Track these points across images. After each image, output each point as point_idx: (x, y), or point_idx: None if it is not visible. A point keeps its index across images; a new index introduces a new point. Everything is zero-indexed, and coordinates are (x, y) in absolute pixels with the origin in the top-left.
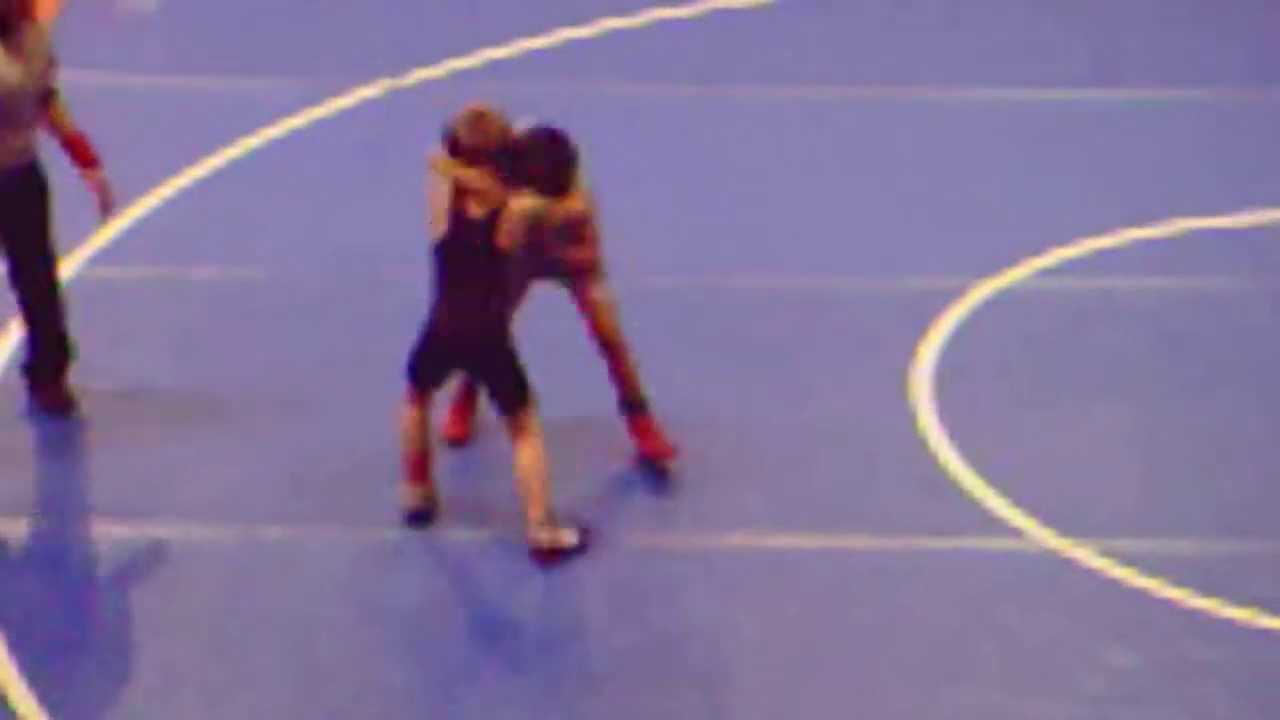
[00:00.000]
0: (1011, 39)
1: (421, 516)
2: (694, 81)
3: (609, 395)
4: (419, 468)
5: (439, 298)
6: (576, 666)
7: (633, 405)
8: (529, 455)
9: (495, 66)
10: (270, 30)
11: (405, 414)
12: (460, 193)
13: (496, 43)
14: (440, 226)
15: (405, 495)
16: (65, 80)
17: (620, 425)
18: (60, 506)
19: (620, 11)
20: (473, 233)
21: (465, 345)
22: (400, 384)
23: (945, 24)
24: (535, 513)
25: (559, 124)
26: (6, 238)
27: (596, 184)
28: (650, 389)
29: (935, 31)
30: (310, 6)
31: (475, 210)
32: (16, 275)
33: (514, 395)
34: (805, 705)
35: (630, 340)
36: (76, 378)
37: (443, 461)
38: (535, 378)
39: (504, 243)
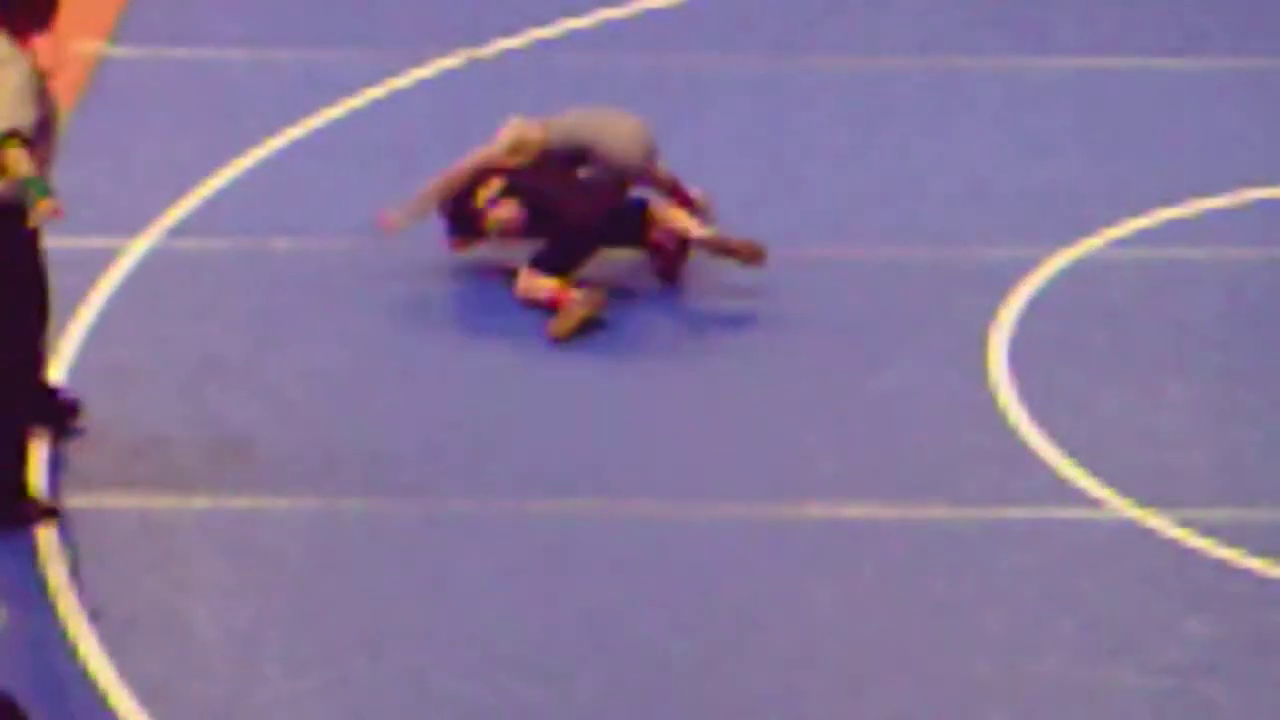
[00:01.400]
0: (1087, 8)
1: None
2: (770, 52)
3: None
4: None
5: None
6: (653, 638)
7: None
8: None
9: (575, 36)
10: (350, 1)
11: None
12: None
13: (577, 12)
14: None
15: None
16: (140, 57)
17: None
18: (140, 479)
19: None
20: None
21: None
22: (479, 352)
23: None
24: None
25: (635, 94)
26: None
27: (671, 154)
28: (722, 357)
29: (1011, 1)
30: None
31: None
32: None
33: None
34: (883, 677)
35: (699, 309)
36: (159, 347)
37: (531, 430)
38: None
39: None
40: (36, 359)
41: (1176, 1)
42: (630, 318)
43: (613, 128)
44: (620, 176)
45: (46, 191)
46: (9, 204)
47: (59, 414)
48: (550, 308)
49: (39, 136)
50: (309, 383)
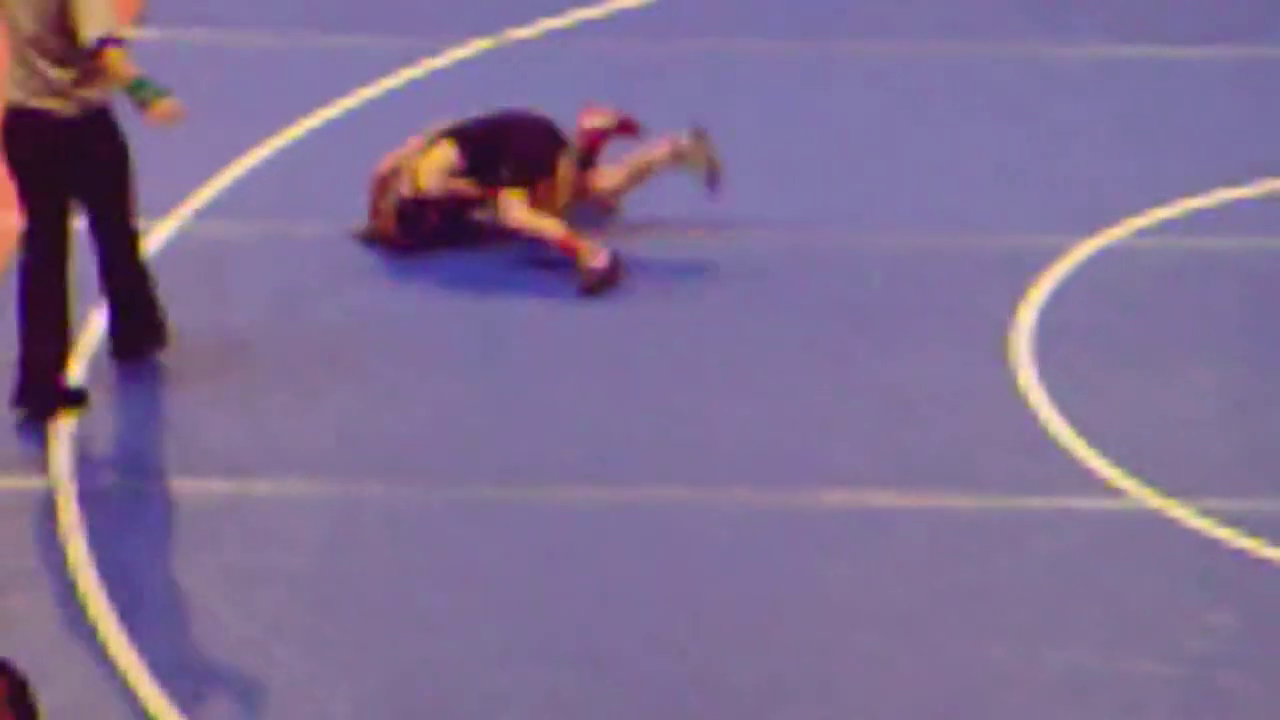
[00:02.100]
0: None
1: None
2: (796, 37)
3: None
4: None
5: None
6: (674, 624)
7: None
8: None
9: (620, 17)
10: None
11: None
12: None
13: (588, 2)
14: None
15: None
16: (168, 38)
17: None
18: (163, 462)
19: None
20: None
21: None
22: (503, 337)
23: None
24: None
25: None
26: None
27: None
28: (746, 343)
29: None
30: None
31: None
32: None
33: None
34: (905, 666)
35: (727, 296)
36: (184, 330)
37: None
38: None
39: None
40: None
41: None
42: (646, 303)
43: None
44: (537, 123)
45: (161, 92)
46: (106, 105)
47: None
48: (563, 251)
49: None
50: (333, 367)
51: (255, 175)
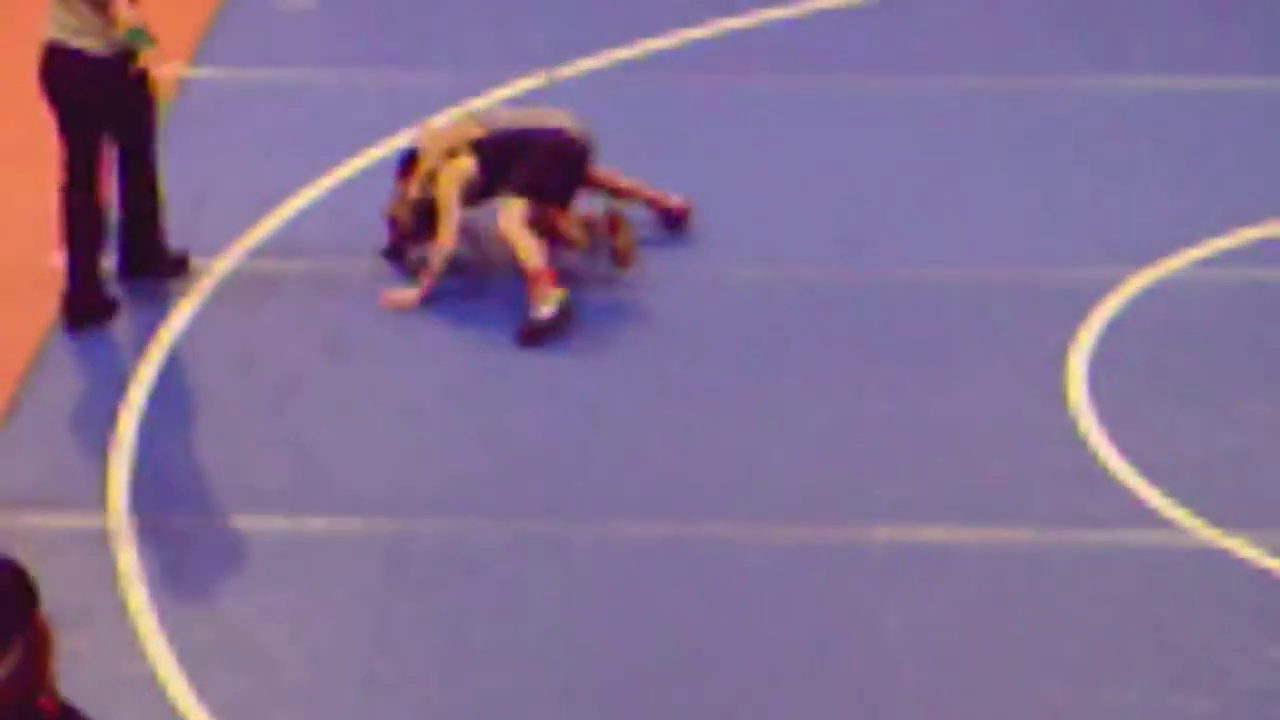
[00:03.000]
0: (1167, 26)
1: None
2: (849, 72)
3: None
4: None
5: None
6: (728, 661)
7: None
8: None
9: (656, 57)
10: (430, 21)
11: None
12: None
13: (657, 33)
14: None
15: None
16: (226, 77)
17: None
18: (220, 501)
19: (780, 2)
20: None
21: None
22: (553, 372)
23: (1096, 11)
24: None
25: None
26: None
27: (755, 173)
28: (799, 378)
29: (1088, 19)
30: (460, 4)
31: None
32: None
33: None
34: (960, 702)
35: (781, 330)
36: (238, 367)
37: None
38: None
39: None
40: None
41: (1256, 21)
42: (699, 336)
43: (550, 115)
44: (565, 149)
45: (150, 40)
46: (121, 51)
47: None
48: (526, 280)
49: None
50: (388, 404)
51: (308, 214)
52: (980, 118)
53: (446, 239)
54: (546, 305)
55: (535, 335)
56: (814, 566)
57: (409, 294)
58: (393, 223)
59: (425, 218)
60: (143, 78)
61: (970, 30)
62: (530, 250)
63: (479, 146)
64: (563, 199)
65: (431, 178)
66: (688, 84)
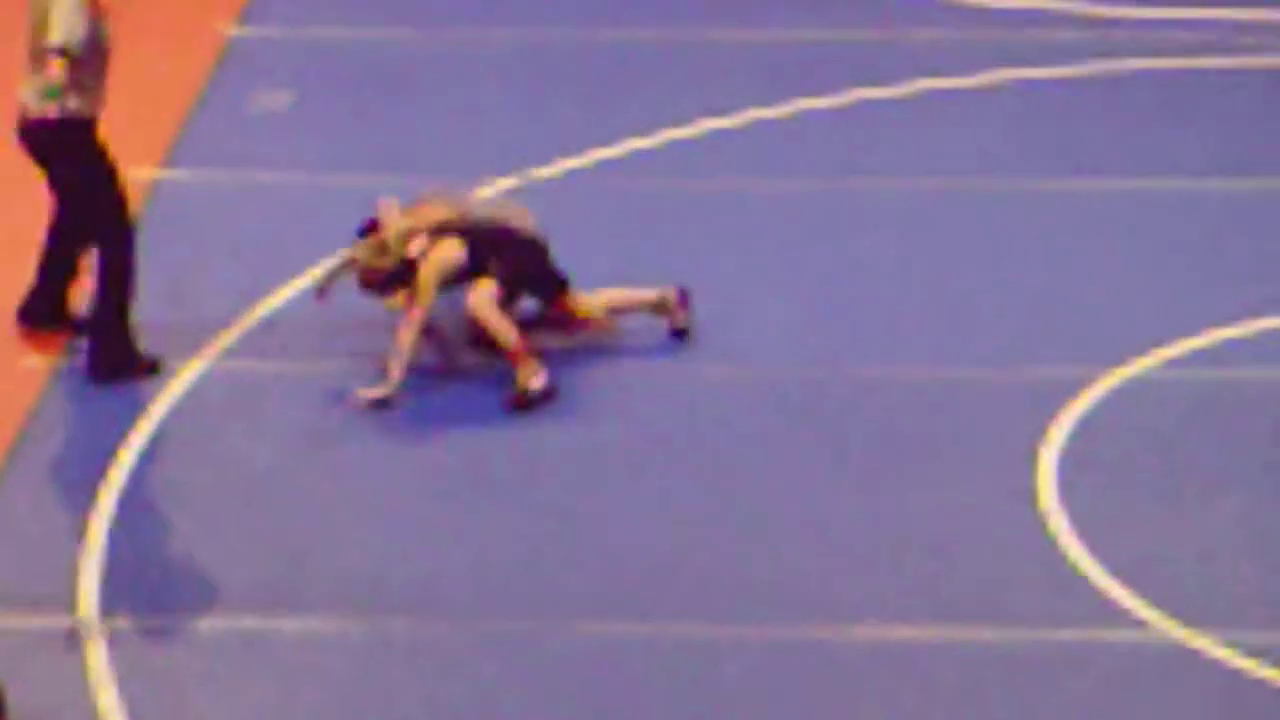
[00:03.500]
0: (1132, 131)
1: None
2: (822, 173)
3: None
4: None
5: None
6: None
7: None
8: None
9: (637, 156)
10: (402, 123)
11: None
12: None
13: (640, 133)
14: None
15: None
16: (199, 178)
17: None
18: (188, 597)
19: (764, 102)
20: None
21: None
22: (529, 472)
23: (1067, 117)
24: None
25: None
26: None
27: (726, 273)
28: (773, 477)
29: (1057, 125)
30: (434, 107)
31: None
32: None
33: None
34: None
35: (753, 428)
36: (212, 467)
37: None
38: None
39: None
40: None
41: (1225, 124)
42: (675, 434)
43: (515, 209)
44: (539, 245)
45: (60, 95)
46: (82, 118)
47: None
48: (508, 358)
49: (88, 55)
50: (359, 504)
51: (281, 314)
52: (952, 219)
53: (418, 314)
54: (535, 378)
55: (524, 404)
56: (790, 666)
57: (379, 389)
58: (366, 272)
59: (397, 279)
60: (89, 146)
61: (942, 134)
62: (505, 329)
63: (465, 233)
64: (553, 289)
65: (419, 251)
66: (661, 185)
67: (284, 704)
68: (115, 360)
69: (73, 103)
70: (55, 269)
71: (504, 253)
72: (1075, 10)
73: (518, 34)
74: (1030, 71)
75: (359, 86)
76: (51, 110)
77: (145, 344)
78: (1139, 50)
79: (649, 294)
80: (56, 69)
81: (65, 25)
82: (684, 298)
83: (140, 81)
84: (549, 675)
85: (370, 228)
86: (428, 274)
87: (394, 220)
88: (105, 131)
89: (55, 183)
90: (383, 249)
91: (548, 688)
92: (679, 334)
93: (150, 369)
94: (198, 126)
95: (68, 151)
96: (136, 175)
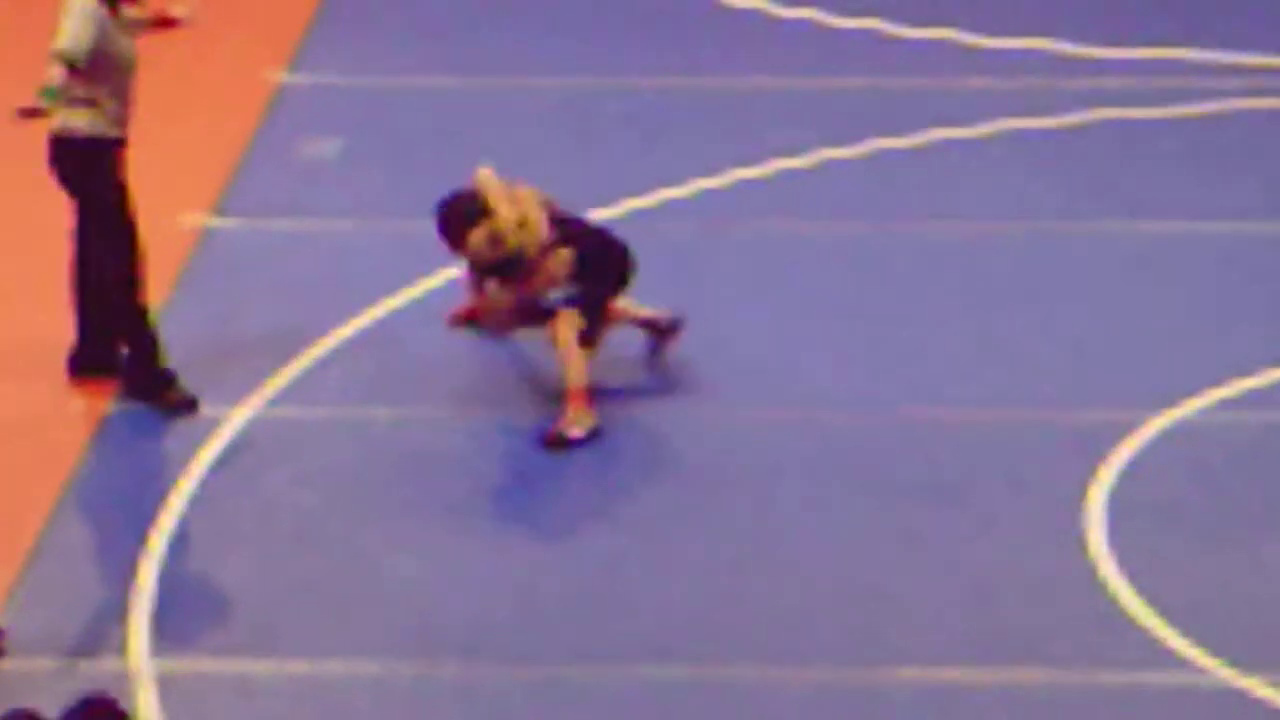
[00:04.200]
0: (1182, 171)
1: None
2: (869, 217)
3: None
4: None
5: None
6: None
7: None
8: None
9: (670, 206)
10: (444, 175)
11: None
12: None
13: (672, 183)
14: None
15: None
16: (248, 227)
17: None
18: (239, 643)
19: (790, 153)
20: None
21: None
22: (574, 515)
23: (1113, 158)
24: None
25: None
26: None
27: (770, 318)
28: (820, 520)
29: (1103, 165)
30: (480, 154)
31: None
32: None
33: None
34: None
35: (801, 471)
36: (260, 512)
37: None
38: None
39: None
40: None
41: (1270, 165)
42: (721, 480)
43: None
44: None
45: (54, 98)
46: (95, 138)
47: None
48: (568, 395)
49: (102, 70)
50: (406, 551)
51: (328, 362)
52: (1000, 262)
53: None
54: (579, 426)
55: (559, 445)
56: (837, 709)
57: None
58: (475, 257)
59: (505, 269)
60: (96, 163)
61: (985, 176)
62: (580, 370)
63: (570, 240)
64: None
65: (537, 250)
66: (700, 230)
67: None
68: (148, 373)
69: (84, 120)
70: (95, 316)
71: (608, 261)
72: (1137, 55)
73: (561, 83)
74: (1083, 115)
75: (406, 134)
76: (69, 127)
77: (188, 384)
78: (1187, 94)
79: (645, 311)
80: (53, 73)
81: (70, 32)
82: (675, 326)
83: (191, 129)
84: (595, 719)
85: (457, 200)
86: (554, 273)
87: (497, 197)
88: (152, 176)
89: (76, 203)
90: (495, 242)
91: None
92: (654, 349)
93: (188, 405)
94: (248, 174)
95: (84, 171)
96: (187, 222)
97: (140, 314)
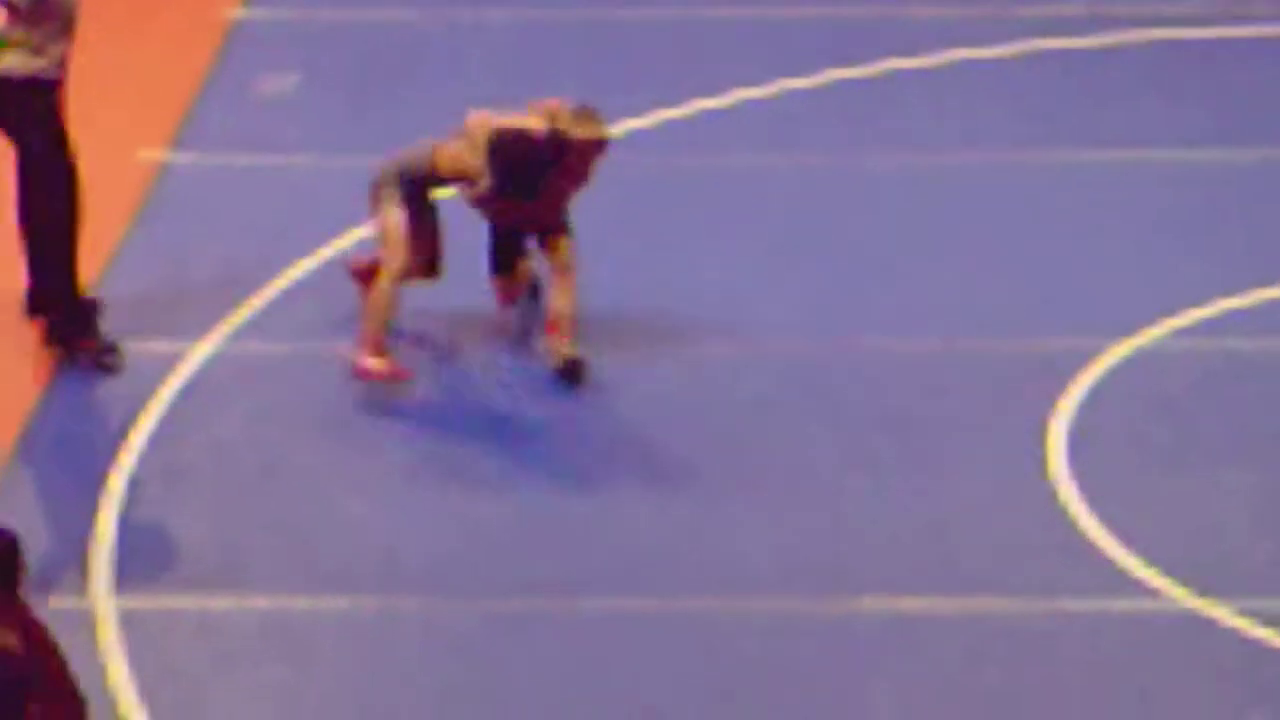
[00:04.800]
0: (1138, 100)
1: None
2: (822, 150)
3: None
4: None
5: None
6: None
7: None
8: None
9: (635, 137)
10: (403, 109)
11: None
12: None
13: (637, 114)
14: None
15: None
16: (206, 160)
17: None
18: (201, 580)
19: (751, 82)
20: None
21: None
22: (530, 450)
23: (1070, 89)
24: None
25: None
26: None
27: (732, 250)
28: (782, 453)
29: (1061, 96)
30: (440, 88)
31: None
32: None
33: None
34: None
35: (762, 404)
36: (221, 449)
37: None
38: None
39: None
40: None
41: (1227, 95)
42: (677, 410)
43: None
44: None
45: (4, 44)
46: (29, 78)
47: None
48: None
49: (39, 13)
50: (367, 486)
51: (288, 296)
52: (956, 193)
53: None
54: (571, 345)
55: (577, 371)
56: (798, 640)
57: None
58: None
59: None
60: (29, 104)
61: (942, 108)
62: (574, 297)
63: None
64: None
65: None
66: (664, 164)
67: (295, 683)
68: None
69: (20, 61)
70: (43, 255)
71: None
72: None
73: (520, 14)
74: (1036, 43)
75: (364, 68)
76: (6, 67)
77: (144, 325)
78: (1140, 21)
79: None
80: None
81: None
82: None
83: (147, 65)
84: (559, 653)
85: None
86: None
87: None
88: (108, 111)
89: (16, 148)
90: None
91: (558, 665)
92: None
93: (108, 353)
94: (204, 109)
95: (21, 112)
96: (144, 158)
97: (70, 262)
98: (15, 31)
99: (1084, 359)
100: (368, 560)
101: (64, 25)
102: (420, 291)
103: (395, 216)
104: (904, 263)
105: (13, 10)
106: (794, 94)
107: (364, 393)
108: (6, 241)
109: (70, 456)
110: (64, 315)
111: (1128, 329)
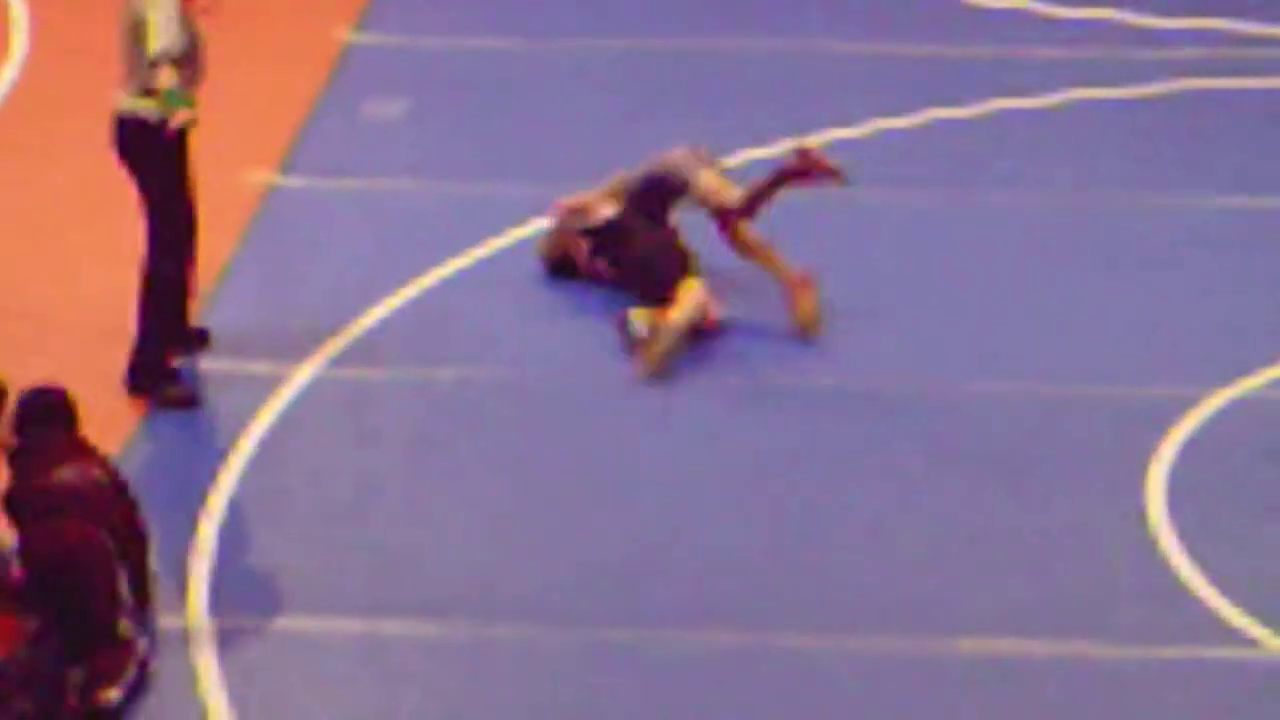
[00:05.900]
0: (1246, 149)
1: None
2: (936, 187)
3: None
4: None
5: None
6: None
7: None
8: None
9: (754, 166)
10: (511, 133)
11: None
12: None
13: (761, 143)
14: None
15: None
16: (314, 185)
17: None
18: (296, 600)
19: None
20: None
21: None
22: (636, 479)
23: (1182, 132)
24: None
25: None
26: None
27: (836, 286)
28: (882, 489)
29: (1172, 140)
30: (545, 115)
31: None
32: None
33: None
34: None
35: (862, 440)
36: (321, 473)
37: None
38: None
39: None
40: (185, 264)
41: None
42: (782, 445)
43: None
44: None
45: (185, 101)
46: (157, 121)
47: (192, 340)
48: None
49: (186, 59)
50: (467, 510)
51: (391, 322)
52: (1064, 234)
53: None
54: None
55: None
56: (893, 678)
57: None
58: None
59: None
60: (153, 147)
61: (1054, 149)
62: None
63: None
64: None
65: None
66: (790, 193)
67: (388, 707)
68: (150, 371)
69: (151, 105)
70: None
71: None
72: (1211, 26)
73: (622, 43)
74: (1135, 90)
75: (472, 94)
76: (135, 110)
77: (247, 347)
78: (1252, 69)
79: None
80: (165, 76)
81: (162, 30)
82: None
83: (257, 88)
84: (653, 683)
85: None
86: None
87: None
88: (219, 134)
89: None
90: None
91: (652, 698)
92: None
93: (188, 400)
94: (314, 133)
95: (148, 154)
96: (252, 181)
97: (171, 308)
98: (191, 90)
99: (1185, 405)
100: (464, 586)
101: (192, 69)
102: (526, 307)
103: (707, 177)
104: (1008, 304)
105: (175, 62)
106: (888, 133)
107: (462, 418)
108: (119, 270)
109: (170, 476)
110: (146, 370)
111: (1230, 376)
